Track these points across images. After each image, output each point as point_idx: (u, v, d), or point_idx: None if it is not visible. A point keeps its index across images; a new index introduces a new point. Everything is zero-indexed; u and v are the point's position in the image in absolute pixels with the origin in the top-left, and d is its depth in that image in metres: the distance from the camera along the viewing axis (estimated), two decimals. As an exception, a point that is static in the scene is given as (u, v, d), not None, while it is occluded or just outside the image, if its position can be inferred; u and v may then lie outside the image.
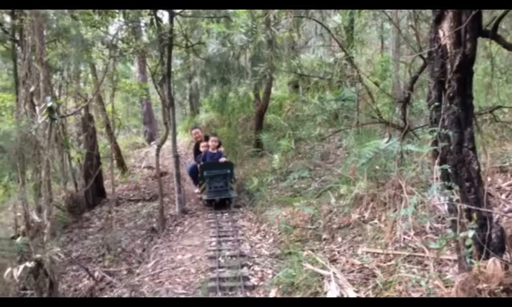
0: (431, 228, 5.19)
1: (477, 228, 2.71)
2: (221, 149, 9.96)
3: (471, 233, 2.60)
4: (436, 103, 3.19)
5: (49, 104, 4.99)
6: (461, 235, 2.67)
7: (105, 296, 6.32)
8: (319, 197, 7.75)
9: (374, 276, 4.91)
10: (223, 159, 9.52)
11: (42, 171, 5.03)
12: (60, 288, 6.41)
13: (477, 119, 3.61)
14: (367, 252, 5.45)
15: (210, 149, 9.63)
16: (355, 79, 5.21)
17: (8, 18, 7.99)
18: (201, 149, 9.73)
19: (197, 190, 9.95)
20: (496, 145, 5.78)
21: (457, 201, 2.80)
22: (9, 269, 3.97)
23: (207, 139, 9.90)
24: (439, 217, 5.29)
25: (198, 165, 9.59)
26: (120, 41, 9.51)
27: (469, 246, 2.64)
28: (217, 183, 9.01)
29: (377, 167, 6.43)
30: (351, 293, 4.81)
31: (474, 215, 2.74)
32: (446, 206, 2.79)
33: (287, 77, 15.60)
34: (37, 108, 6.01)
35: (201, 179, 9.24)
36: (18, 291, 5.68)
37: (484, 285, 3.04)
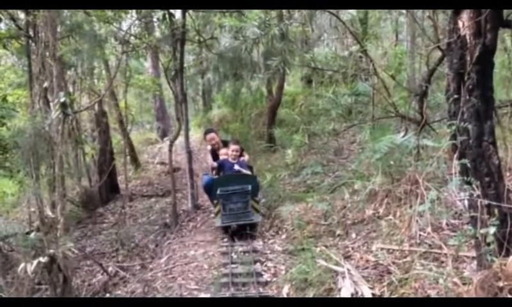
0: (447, 224, 5.08)
1: (498, 224, 2.62)
2: (245, 158, 7.95)
3: (492, 230, 2.51)
4: (455, 96, 3.09)
5: (62, 100, 5.01)
6: (482, 231, 2.58)
7: (119, 291, 6.35)
8: (333, 192, 7.66)
9: (389, 273, 4.82)
10: (242, 170, 7.46)
11: (56, 166, 5.05)
12: (74, 283, 6.45)
13: (497, 112, 3.51)
14: (382, 249, 5.36)
15: (230, 159, 7.57)
16: (370, 72, 5.10)
17: (22, 15, 8.03)
18: (221, 158, 7.85)
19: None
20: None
21: (478, 196, 2.71)
22: (22, 264, 3.99)
23: (225, 145, 8.04)
24: (455, 213, 5.18)
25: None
26: (132, 37, 9.52)
27: (490, 243, 2.55)
28: (233, 204, 6.89)
29: (391, 162, 6.32)
30: (365, 290, 4.74)
31: (496, 211, 2.65)
32: (466, 202, 2.70)
33: (299, 72, 15.49)
34: (51, 104, 6.04)
35: (215, 198, 7.14)
36: (33, 286, 5.73)
37: (505, 283, 2.94)
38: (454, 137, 3.14)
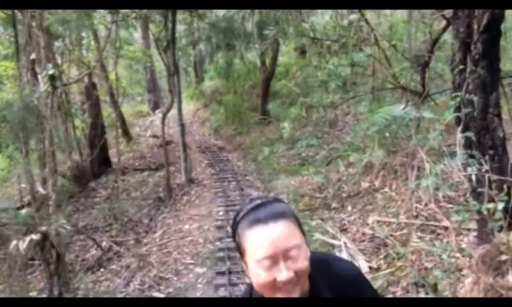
0: (443, 197, 5.04)
1: (506, 199, 2.55)
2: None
3: (500, 205, 2.44)
4: (461, 67, 2.98)
5: (50, 72, 4.82)
6: (489, 206, 2.52)
7: (113, 266, 6.31)
8: (328, 165, 7.61)
9: (386, 245, 4.82)
10: None
11: (46, 141, 4.90)
12: (68, 258, 6.39)
13: (503, 83, 3.41)
14: (378, 221, 5.35)
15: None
16: (371, 42, 4.95)
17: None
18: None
19: None
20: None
21: (486, 171, 2.64)
22: (14, 242, 3.90)
23: None
24: (452, 185, 5.13)
25: None
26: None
27: (499, 219, 2.49)
28: None
29: (387, 134, 6.25)
30: (362, 263, 4.74)
31: (505, 187, 2.59)
32: (474, 177, 2.63)
33: (293, 42, 15.21)
34: (39, 76, 5.85)
35: None
36: (26, 262, 5.66)
37: (506, 257, 2.91)
38: (458, 109, 3.05)
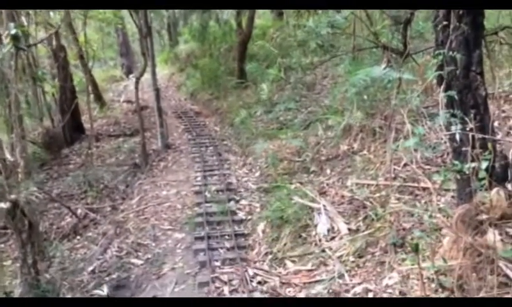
0: (421, 158, 5.06)
1: (489, 158, 2.52)
2: None
3: (484, 164, 2.42)
4: (444, 23, 2.90)
5: (13, 32, 4.51)
6: (472, 165, 2.49)
7: (90, 233, 6.19)
8: (306, 129, 7.55)
9: (365, 207, 4.83)
10: None
11: (12, 105, 4.65)
12: (42, 227, 6.23)
13: (486, 40, 3.35)
14: (357, 184, 5.35)
15: None
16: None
17: None
18: None
19: None
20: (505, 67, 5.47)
21: (471, 130, 2.60)
22: (-18, 211, 3.73)
23: None
24: (429, 145, 5.15)
25: None
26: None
27: (482, 178, 2.47)
28: None
29: (365, 97, 6.19)
30: (341, 225, 4.75)
31: (489, 145, 2.55)
32: (458, 136, 2.59)
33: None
34: (2, 37, 5.52)
35: None
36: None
37: (485, 216, 2.93)
38: (440, 67, 2.98)
